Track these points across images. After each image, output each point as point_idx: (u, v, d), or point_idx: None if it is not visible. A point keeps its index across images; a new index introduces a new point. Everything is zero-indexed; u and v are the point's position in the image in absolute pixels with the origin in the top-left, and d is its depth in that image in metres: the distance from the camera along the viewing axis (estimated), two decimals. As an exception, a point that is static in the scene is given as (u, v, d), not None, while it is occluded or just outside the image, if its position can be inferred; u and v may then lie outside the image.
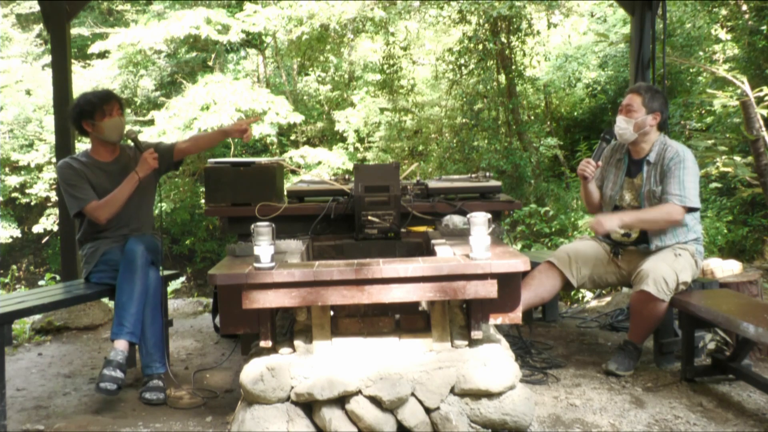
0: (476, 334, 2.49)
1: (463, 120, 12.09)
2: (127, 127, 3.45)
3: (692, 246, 3.35)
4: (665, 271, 3.14)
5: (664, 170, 3.29)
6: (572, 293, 6.34)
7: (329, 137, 14.34)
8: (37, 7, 12.86)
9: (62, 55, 4.74)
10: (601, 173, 3.58)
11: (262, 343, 2.50)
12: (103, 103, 3.32)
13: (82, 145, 9.77)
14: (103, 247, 3.37)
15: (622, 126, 3.35)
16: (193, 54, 13.57)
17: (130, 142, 3.43)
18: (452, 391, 2.38)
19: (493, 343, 2.56)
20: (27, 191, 13.07)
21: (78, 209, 3.30)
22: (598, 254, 3.50)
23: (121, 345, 3.03)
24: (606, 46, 11.09)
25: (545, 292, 3.43)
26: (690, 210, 3.25)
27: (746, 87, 5.82)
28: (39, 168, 12.85)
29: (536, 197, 10.63)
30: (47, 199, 13.17)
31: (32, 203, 13.37)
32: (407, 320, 2.64)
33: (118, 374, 2.93)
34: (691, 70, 10.48)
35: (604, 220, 3.25)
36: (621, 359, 3.29)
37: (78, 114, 3.36)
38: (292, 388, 2.37)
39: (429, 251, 2.99)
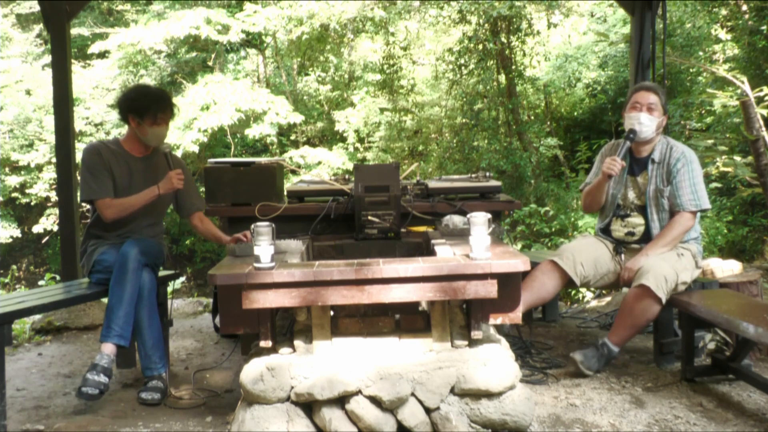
0: (476, 334, 2.49)
1: (463, 120, 12.09)
2: (165, 142, 3.38)
3: (693, 246, 3.36)
4: (666, 270, 3.13)
5: (670, 170, 3.31)
6: (572, 293, 6.34)
7: (329, 137, 14.35)
8: (37, 7, 12.86)
9: (62, 55, 4.74)
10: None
11: (262, 343, 2.50)
12: (158, 110, 3.27)
13: (82, 145, 9.80)
14: (100, 248, 3.34)
15: (647, 123, 3.34)
16: (193, 54, 13.57)
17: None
18: (452, 391, 2.38)
19: (493, 343, 2.56)
20: (27, 191, 13.08)
21: (88, 198, 3.25)
22: (601, 252, 3.47)
23: (108, 349, 3.00)
24: (606, 46, 11.08)
25: (546, 292, 3.39)
26: (701, 210, 3.31)
27: (746, 87, 5.81)
28: (39, 168, 12.87)
29: (536, 197, 10.62)
30: (47, 199, 13.17)
31: (32, 203, 13.38)
32: (407, 320, 2.64)
33: (102, 379, 2.90)
34: (691, 70, 10.48)
35: (632, 264, 3.28)
36: (590, 356, 3.21)
37: (128, 106, 3.30)
38: (292, 388, 2.37)
39: (429, 251, 2.99)
